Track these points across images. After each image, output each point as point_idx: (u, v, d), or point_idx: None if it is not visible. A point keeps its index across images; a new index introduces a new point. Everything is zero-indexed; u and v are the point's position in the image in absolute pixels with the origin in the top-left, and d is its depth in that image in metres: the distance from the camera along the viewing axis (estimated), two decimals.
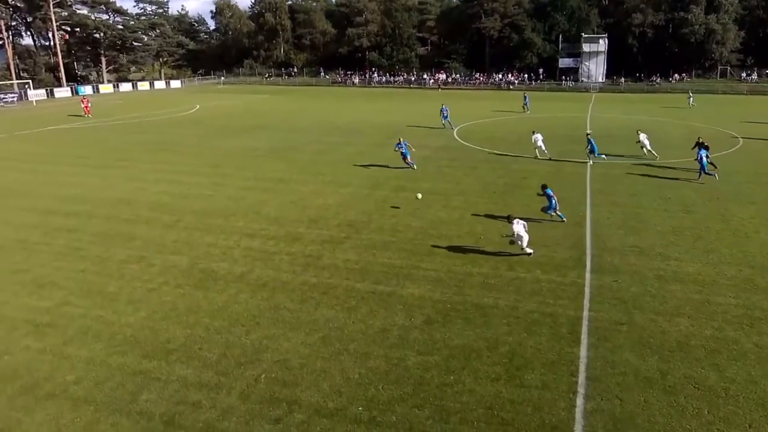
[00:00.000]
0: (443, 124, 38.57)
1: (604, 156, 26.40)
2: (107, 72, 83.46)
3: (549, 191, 17.79)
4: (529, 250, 15.00)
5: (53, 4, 71.82)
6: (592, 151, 26.28)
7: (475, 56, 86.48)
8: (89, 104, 49.59)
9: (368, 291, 13.29)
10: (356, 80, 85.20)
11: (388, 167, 26.47)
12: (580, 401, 9.12)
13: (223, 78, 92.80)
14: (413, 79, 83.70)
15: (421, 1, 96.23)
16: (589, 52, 75.56)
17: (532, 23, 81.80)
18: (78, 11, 79.75)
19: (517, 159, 28.03)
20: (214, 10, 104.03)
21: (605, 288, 13.20)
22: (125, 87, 78.60)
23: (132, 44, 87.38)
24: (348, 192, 22.22)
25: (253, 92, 74.49)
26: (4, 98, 62.19)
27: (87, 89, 72.79)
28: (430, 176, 24.68)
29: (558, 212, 18.03)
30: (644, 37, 78.05)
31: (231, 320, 12.03)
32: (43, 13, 72.69)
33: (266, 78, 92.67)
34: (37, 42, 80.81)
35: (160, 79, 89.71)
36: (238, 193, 22.41)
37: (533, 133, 29.02)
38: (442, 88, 76.27)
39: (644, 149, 27.37)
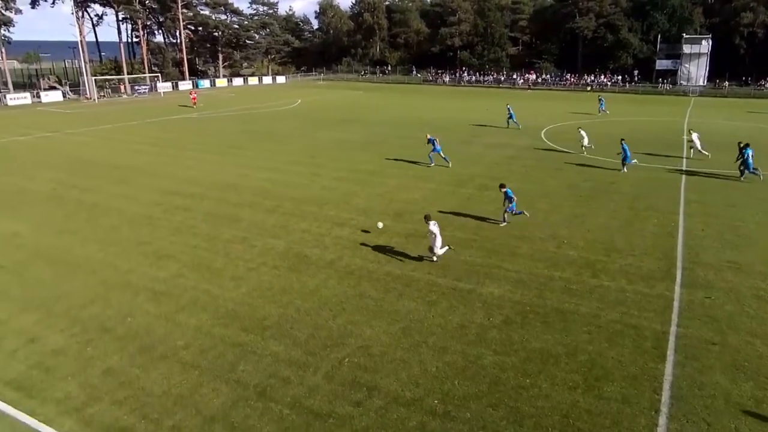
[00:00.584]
0: (509, 124, 37.76)
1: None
2: (223, 67, 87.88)
3: (509, 191, 17.23)
4: (440, 252, 14.39)
5: (181, 6, 76.51)
6: (625, 159, 24.57)
7: (567, 57, 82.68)
8: (196, 96, 53.30)
9: (449, 287, 13.14)
10: (446, 79, 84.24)
11: (472, 165, 25.99)
12: (662, 420, 8.50)
13: (322, 74, 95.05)
14: (503, 78, 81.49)
15: (514, 1, 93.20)
16: (690, 54, 69.83)
17: (629, 23, 76.79)
18: (201, 12, 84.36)
19: (605, 162, 26.56)
20: (318, 10, 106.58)
21: (696, 304, 12.20)
22: (237, 81, 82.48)
23: (245, 42, 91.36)
24: (433, 188, 22.07)
25: (350, 88, 75.73)
26: (138, 89, 67.31)
27: (205, 83, 77.17)
28: (515, 176, 23.94)
29: (516, 211, 17.56)
30: (753, 37, 70.95)
31: (320, 303, 12.34)
32: (172, 13, 77.60)
33: (362, 75, 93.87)
34: (166, 39, 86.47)
35: (267, 74, 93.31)
36: (332, 183, 22.90)
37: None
38: (531, 89, 73.75)
39: (693, 149, 27.30)
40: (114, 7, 72.13)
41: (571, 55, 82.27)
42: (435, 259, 14.62)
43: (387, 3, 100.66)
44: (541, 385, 9.39)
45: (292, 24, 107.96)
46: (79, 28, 63.25)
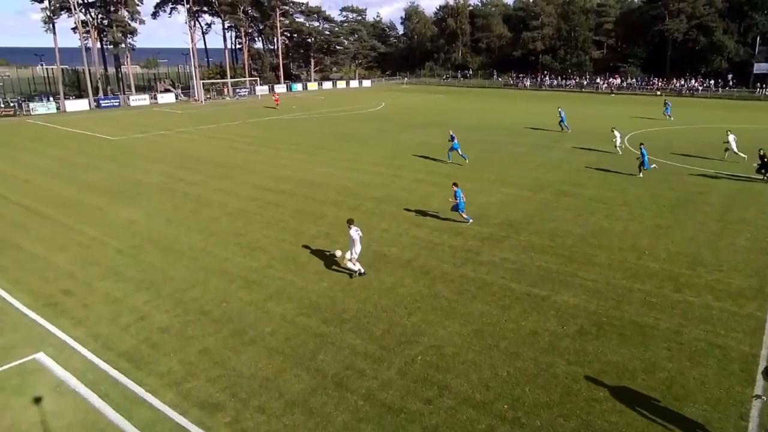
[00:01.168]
0: (561, 127, 36.82)
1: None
2: (314, 72, 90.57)
3: (458, 192, 17.17)
4: (352, 267, 13.26)
5: (279, 14, 79.73)
6: (642, 164, 23.46)
7: (654, 60, 77.32)
8: (278, 98, 56.10)
9: (523, 292, 12.72)
10: (527, 83, 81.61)
11: (551, 170, 24.99)
12: None
13: (406, 78, 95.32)
14: (585, 83, 77.70)
15: (599, 3, 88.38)
16: None
17: (724, 24, 70.42)
18: (297, 20, 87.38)
19: (693, 171, 24.60)
20: (404, 17, 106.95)
21: None
22: (327, 85, 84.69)
23: (335, 48, 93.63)
24: (510, 192, 21.45)
25: (431, 92, 75.36)
26: (239, 92, 70.93)
27: (298, 86, 79.86)
28: (595, 183, 22.78)
29: (464, 216, 17.43)
30: None
31: (396, 301, 12.36)
32: (271, 21, 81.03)
33: (444, 79, 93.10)
34: (265, 46, 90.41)
35: (354, 78, 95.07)
36: (411, 184, 22.88)
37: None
38: (615, 93, 69.79)
39: (728, 151, 26.38)
40: (221, 17, 76.35)
41: (659, 58, 76.86)
42: (355, 269, 13.33)
43: (470, 8, 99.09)
44: (615, 400, 8.84)
45: (379, 30, 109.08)
46: (191, 36, 67.59)
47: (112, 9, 61.91)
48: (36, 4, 59.03)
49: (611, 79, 76.12)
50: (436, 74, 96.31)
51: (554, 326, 11.17)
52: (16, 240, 16.67)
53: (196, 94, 64.61)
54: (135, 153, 31.24)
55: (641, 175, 23.49)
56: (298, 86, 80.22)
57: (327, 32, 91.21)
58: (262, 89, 72.43)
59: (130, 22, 63.54)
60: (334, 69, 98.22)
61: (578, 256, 14.79)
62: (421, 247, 15.63)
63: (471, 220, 17.59)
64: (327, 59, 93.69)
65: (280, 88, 75.61)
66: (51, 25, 58.96)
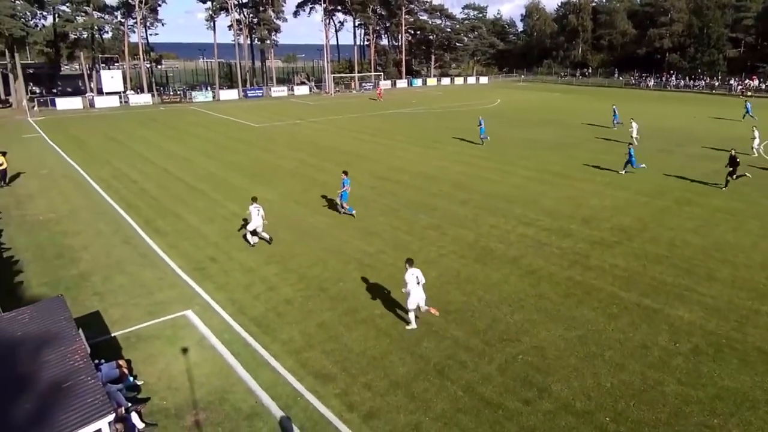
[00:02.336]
0: (614, 125, 35.46)
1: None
2: (434, 68, 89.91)
3: (346, 181, 16.99)
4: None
5: (405, 12, 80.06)
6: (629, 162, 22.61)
7: None
8: (382, 92, 58.44)
9: (633, 302, 11.62)
10: (651, 83, 73.73)
11: (672, 176, 22.47)
12: None
13: (523, 76, 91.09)
14: (717, 84, 68.46)
15: None
16: None
17: None
18: (420, 17, 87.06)
19: None
20: (524, 13, 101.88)
21: None
22: (445, 81, 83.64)
23: (455, 45, 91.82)
24: (625, 196, 19.65)
25: (547, 90, 71.35)
26: (364, 86, 72.77)
27: (418, 82, 79.93)
28: (719, 192, 20.09)
29: (346, 207, 17.11)
30: None
31: (500, 297, 11.95)
32: (397, 19, 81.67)
33: (561, 77, 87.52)
34: (389, 42, 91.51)
35: (471, 75, 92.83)
36: (521, 181, 21.91)
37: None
38: (750, 95, 60.77)
39: (753, 148, 26.12)
40: (352, 15, 78.47)
41: None
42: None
43: (593, 4, 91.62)
44: (731, 430, 7.78)
45: (499, 27, 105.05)
46: (325, 32, 70.40)
47: (261, 9, 66.31)
48: (200, 4, 65.10)
49: (748, 81, 66.34)
50: (554, 72, 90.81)
51: (665, 342, 10.08)
52: (176, 210, 18.66)
53: (327, 87, 67.37)
54: (273, 139, 33.42)
55: (623, 172, 22.78)
56: (418, 82, 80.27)
57: (448, 29, 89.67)
58: (385, 83, 73.47)
59: (274, 20, 67.57)
60: (453, 65, 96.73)
61: (698, 270, 13.17)
62: (529, 246, 14.91)
63: (354, 212, 17.12)
64: (447, 56, 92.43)
65: (402, 83, 76.27)
66: (212, 24, 64.83)
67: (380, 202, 19.26)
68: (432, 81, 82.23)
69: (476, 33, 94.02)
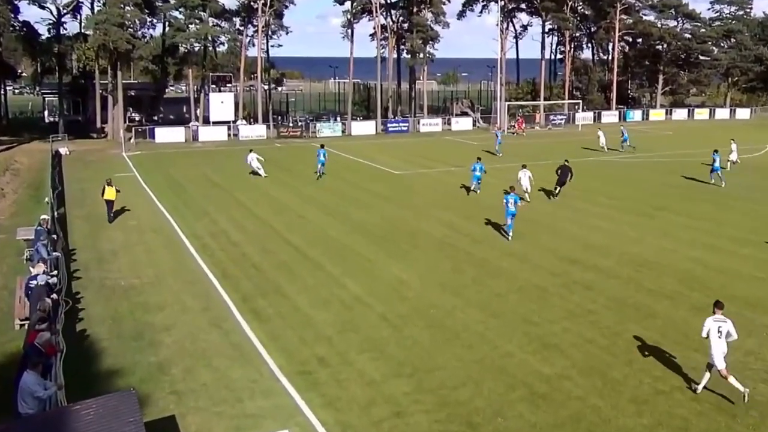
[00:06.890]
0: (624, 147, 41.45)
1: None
2: (662, 94, 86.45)
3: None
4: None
5: (620, 10, 78.24)
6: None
7: None
8: (523, 124, 64.60)
9: None
10: None
11: None
12: None
13: None
14: None
15: None
16: None
17: None
18: (644, 17, 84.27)
19: None
20: None
21: None
22: (679, 114, 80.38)
23: (697, 58, 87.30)
24: None
25: None
26: (553, 119, 72.81)
27: (635, 114, 78.03)
28: None
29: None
30: None
31: None
32: (608, 21, 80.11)
33: None
34: (594, 56, 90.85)
35: (723, 105, 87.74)
36: None
37: None
38: None
39: None
40: (541, 16, 78.21)
41: None
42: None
43: None
44: None
45: None
46: (501, 42, 72.56)
47: (415, 10, 71.00)
48: (337, 6, 72.04)
49: None
50: None
51: None
52: (282, 285, 20.25)
53: (498, 121, 68.23)
54: (416, 193, 34.92)
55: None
56: (636, 114, 78.29)
57: (687, 35, 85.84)
58: (583, 116, 72.12)
59: (432, 25, 71.74)
60: (693, 90, 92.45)
61: None
62: None
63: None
64: (683, 75, 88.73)
65: (611, 116, 74.94)
66: (349, 31, 71.11)
67: (567, 299, 18.87)
68: (658, 114, 79.73)
69: (733, 40, 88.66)
